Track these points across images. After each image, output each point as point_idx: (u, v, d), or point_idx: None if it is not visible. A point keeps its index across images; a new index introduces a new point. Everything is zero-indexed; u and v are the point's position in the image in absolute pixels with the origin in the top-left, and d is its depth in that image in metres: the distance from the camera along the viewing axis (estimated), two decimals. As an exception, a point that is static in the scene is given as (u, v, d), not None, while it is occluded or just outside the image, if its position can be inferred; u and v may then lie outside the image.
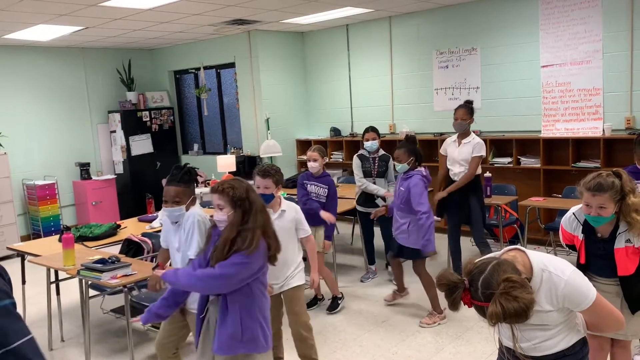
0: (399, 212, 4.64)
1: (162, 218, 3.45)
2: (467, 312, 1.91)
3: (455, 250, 5.36)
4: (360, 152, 5.63)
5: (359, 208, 5.62)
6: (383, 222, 5.44)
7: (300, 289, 3.58)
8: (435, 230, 6.92)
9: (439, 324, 4.50)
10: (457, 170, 5.17)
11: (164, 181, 3.41)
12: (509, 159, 6.64)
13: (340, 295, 4.94)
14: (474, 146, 5.07)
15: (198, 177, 3.28)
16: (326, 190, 4.87)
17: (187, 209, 3.14)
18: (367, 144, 5.51)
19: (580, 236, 2.88)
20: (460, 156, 5.14)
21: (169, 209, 3.11)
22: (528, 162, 6.54)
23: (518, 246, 2.08)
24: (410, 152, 4.49)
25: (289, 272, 3.50)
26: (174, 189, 3.11)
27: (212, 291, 2.63)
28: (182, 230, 3.12)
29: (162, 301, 2.91)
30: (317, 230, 4.72)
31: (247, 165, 8.19)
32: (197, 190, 6.88)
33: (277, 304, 3.49)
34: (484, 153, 5.12)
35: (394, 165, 4.70)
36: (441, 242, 6.56)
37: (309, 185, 4.91)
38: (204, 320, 2.71)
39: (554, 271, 1.97)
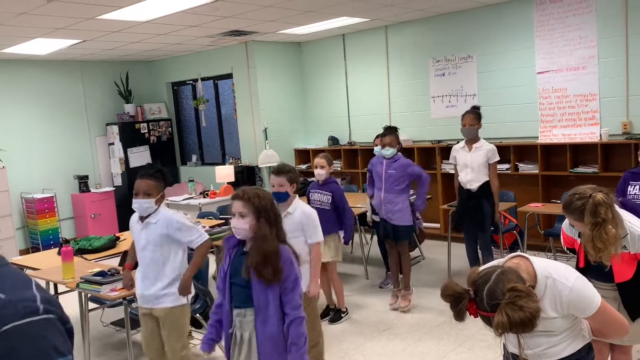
0: (389, 194, 4.86)
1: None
2: (469, 320, 1.91)
3: (473, 259, 5.34)
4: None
5: (374, 217, 5.42)
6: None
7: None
8: (436, 238, 7.10)
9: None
10: (469, 177, 5.12)
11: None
12: (507, 165, 6.65)
13: (344, 310, 4.90)
14: (487, 152, 5.05)
15: (170, 179, 3.41)
16: (330, 197, 4.64)
17: (156, 204, 3.24)
18: (375, 149, 5.59)
19: (579, 240, 2.89)
20: (473, 162, 5.09)
21: (140, 200, 3.21)
22: (526, 168, 6.56)
23: (521, 253, 2.07)
24: (397, 139, 4.99)
25: None
26: (145, 182, 3.23)
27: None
28: (154, 227, 3.21)
29: (210, 328, 2.75)
30: (327, 239, 4.59)
31: (246, 175, 8.19)
32: (196, 201, 6.95)
33: None
34: (498, 157, 5.14)
35: (381, 150, 5.02)
36: (441, 249, 6.57)
37: (313, 193, 4.79)
38: (232, 335, 2.59)
39: (558, 278, 1.96)
